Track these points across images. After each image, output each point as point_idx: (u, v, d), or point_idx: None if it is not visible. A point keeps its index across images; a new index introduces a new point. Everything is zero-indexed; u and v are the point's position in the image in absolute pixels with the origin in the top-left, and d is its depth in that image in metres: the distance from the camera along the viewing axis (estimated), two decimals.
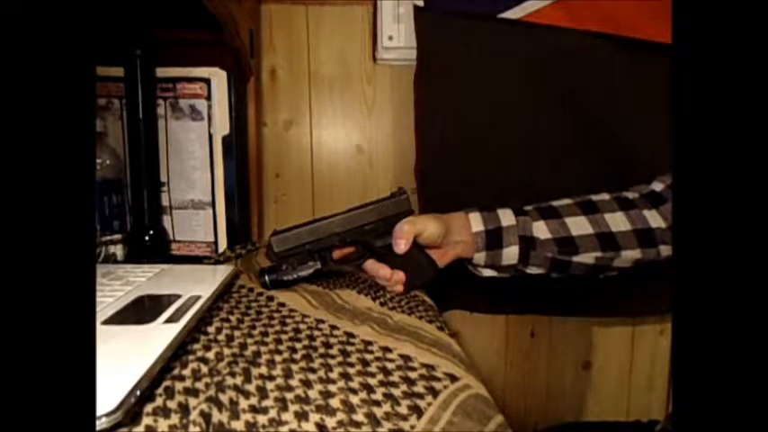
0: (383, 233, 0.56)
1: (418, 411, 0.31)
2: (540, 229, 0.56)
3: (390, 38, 0.87)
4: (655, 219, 0.57)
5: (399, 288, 0.55)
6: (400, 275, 0.54)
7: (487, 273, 0.59)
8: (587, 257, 0.56)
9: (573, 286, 0.88)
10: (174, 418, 0.29)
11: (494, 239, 0.55)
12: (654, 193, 0.59)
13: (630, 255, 0.57)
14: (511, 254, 0.56)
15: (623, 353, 0.99)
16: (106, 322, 0.40)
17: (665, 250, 0.57)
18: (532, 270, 0.58)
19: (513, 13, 0.80)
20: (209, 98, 0.73)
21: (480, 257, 0.56)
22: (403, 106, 0.89)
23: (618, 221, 0.56)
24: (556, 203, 0.59)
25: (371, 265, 0.55)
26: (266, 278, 0.56)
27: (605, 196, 0.60)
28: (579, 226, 0.56)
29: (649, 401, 1.00)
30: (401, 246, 0.54)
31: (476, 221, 0.56)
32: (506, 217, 0.56)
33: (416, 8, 0.81)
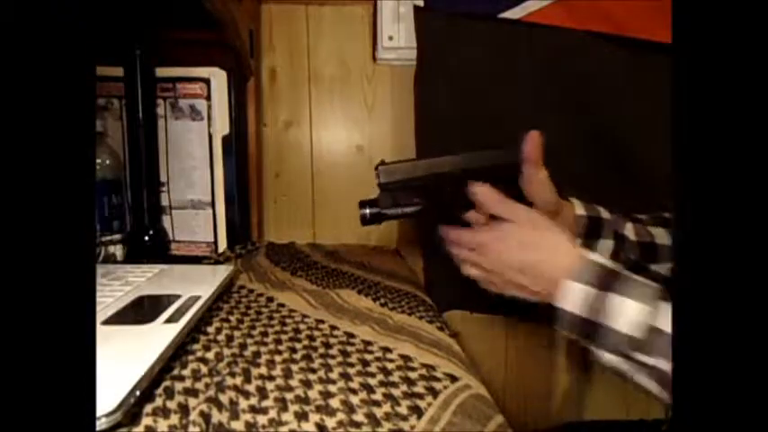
0: (495, 180, 0.51)
1: (418, 411, 0.31)
2: (629, 230, 0.54)
3: (390, 38, 0.87)
4: None
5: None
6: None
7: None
8: (663, 268, 0.54)
9: None
10: (174, 419, 0.29)
11: (594, 228, 0.53)
12: None
13: None
14: (605, 247, 0.53)
15: None
16: (106, 322, 0.40)
17: None
18: None
19: (513, 13, 0.80)
20: (208, 98, 0.73)
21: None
22: (403, 106, 0.89)
23: None
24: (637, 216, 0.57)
25: (487, 194, 0.49)
26: (367, 211, 0.53)
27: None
28: (660, 235, 0.54)
29: (649, 401, 0.99)
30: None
31: (578, 206, 0.53)
32: (603, 210, 0.54)
33: (416, 8, 0.81)
